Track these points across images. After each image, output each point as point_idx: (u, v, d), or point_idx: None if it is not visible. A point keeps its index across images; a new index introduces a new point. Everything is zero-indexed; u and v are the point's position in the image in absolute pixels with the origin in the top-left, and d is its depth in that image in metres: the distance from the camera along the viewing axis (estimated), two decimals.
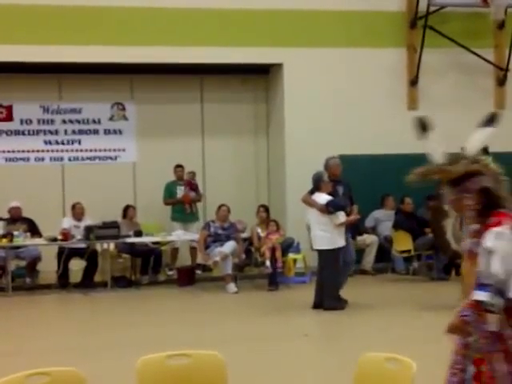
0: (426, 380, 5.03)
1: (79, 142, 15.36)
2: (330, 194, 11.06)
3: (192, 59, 14.52)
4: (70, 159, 15.35)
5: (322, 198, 11.06)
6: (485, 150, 10.99)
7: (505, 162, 11.34)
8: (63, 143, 15.30)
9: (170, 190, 14.73)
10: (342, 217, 10.96)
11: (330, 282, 11.02)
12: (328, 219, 10.91)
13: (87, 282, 13.49)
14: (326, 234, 10.97)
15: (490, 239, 4.31)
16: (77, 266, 13.81)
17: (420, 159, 15.59)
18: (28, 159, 15.18)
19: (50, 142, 15.25)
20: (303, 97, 14.92)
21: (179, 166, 14.80)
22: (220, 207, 13.61)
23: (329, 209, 10.95)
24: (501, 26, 15.56)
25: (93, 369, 5.31)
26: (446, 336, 4.50)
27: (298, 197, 13.03)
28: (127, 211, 14.31)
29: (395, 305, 11.18)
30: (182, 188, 14.69)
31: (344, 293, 11.22)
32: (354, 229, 12.27)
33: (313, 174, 11.40)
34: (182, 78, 15.58)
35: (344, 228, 11.05)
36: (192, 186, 14.74)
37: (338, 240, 10.96)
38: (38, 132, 15.21)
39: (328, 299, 10.96)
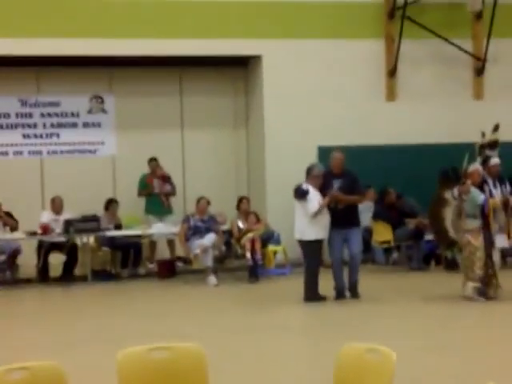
0: (406, 370, 5.06)
1: (58, 136, 15.29)
2: (321, 187, 10.93)
3: (171, 51, 14.48)
4: (48, 153, 15.27)
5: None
6: (496, 128, 10.99)
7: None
8: (42, 137, 15.22)
9: (144, 183, 14.71)
10: (313, 206, 10.77)
11: (306, 274, 11.02)
12: (304, 210, 10.87)
13: (67, 276, 13.45)
14: (302, 225, 10.92)
15: None
16: (57, 259, 13.76)
17: (398, 150, 15.74)
18: (6, 153, 15.09)
19: (29, 136, 15.17)
20: (282, 88, 14.91)
21: (154, 160, 14.77)
22: (199, 200, 13.58)
23: (295, 196, 10.99)
24: (478, 16, 15.61)
25: (73, 363, 5.30)
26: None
27: (278, 189, 13.12)
28: (110, 205, 14.25)
29: (375, 296, 11.21)
30: (157, 181, 14.67)
31: (327, 285, 11.08)
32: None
33: None
34: (160, 70, 15.54)
35: (324, 220, 10.83)
36: (165, 179, 14.72)
37: (313, 232, 10.82)
38: (16, 126, 15.12)
39: (306, 291, 10.95)
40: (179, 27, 14.50)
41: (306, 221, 10.84)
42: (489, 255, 10.41)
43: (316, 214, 10.75)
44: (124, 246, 13.95)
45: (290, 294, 11.46)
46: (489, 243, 10.43)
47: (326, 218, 10.85)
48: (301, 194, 10.90)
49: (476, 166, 10.63)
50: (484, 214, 10.40)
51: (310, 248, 10.93)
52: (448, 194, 11.17)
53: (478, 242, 10.39)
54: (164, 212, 14.70)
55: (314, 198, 10.83)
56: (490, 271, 10.44)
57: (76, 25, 14.10)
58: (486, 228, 10.43)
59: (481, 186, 10.58)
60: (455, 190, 10.62)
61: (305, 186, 10.93)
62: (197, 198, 13.71)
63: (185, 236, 13.25)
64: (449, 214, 11.29)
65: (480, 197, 10.42)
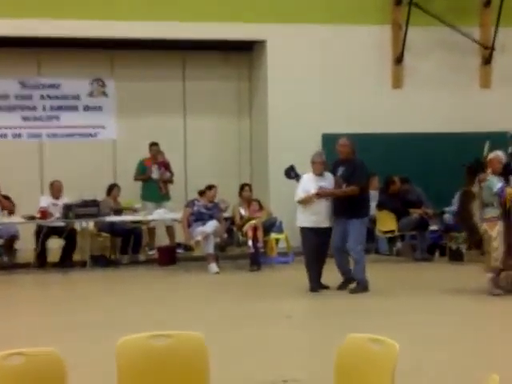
0: (408, 361, 4.95)
1: (58, 119, 15.21)
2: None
3: (174, 35, 14.37)
4: (48, 136, 15.21)
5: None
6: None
7: (492, 141, 11.21)
8: (41, 119, 15.15)
9: (143, 167, 14.57)
10: (297, 194, 10.72)
11: (304, 262, 10.94)
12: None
13: (66, 261, 13.35)
14: (298, 212, 10.84)
15: None
16: (55, 244, 13.69)
17: (404, 138, 15.54)
18: (5, 135, 15.02)
19: (28, 118, 15.10)
20: (287, 74, 14.79)
21: (155, 144, 14.61)
22: (211, 188, 13.34)
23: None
24: (486, 4, 15.54)
25: (71, 349, 5.21)
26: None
27: (281, 176, 12.97)
28: (112, 190, 14.13)
29: (378, 286, 11.06)
30: (156, 167, 14.52)
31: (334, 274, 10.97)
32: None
33: None
34: (163, 54, 15.43)
35: (314, 208, 10.58)
36: (165, 165, 14.58)
37: (301, 219, 10.71)
38: (15, 108, 15.03)
39: (308, 281, 10.80)
40: (182, 10, 14.38)
41: (298, 207, 10.78)
42: (509, 245, 10.04)
43: (299, 202, 10.68)
44: (124, 232, 13.82)
45: (292, 282, 11.37)
46: (508, 233, 10.05)
47: (317, 205, 10.59)
48: (285, 173, 10.91)
49: (496, 153, 10.29)
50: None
51: (301, 235, 10.84)
52: (475, 188, 10.84)
53: (493, 231, 10.04)
54: (161, 198, 14.58)
55: (302, 186, 10.74)
56: (509, 262, 10.07)
57: (78, 6, 14.00)
58: (504, 217, 10.06)
59: (507, 177, 10.24)
60: (477, 180, 10.39)
61: (289, 167, 10.91)
62: (198, 184, 13.59)
63: (187, 220, 13.09)
64: (477, 209, 10.91)
65: (497, 185, 10.04)
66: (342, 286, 10.80)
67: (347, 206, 10.49)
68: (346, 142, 10.88)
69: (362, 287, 10.63)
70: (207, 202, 13.25)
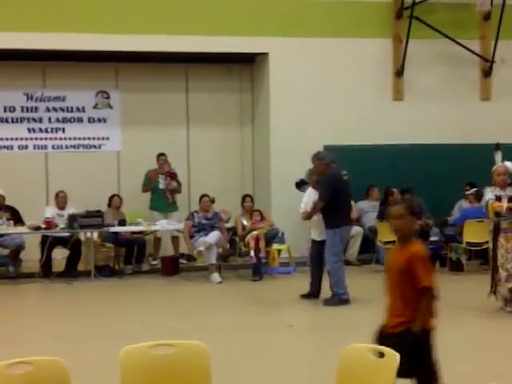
0: None
1: (63, 130, 15.26)
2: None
3: (177, 48, 14.43)
4: (53, 147, 15.25)
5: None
6: (497, 146, 10.51)
7: (489, 153, 11.22)
8: (47, 131, 15.20)
9: (147, 178, 14.65)
10: (301, 209, 11.11)
11: None
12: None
13: (70, 271, 13.40)
14: None
15: None
16: (60, 254, 13.74)
17: (404, 150, 15.64)
18: (11, 147, 15.06)
19: (34, 130, 15.15)
20: (289, 86, 14.86)
21: (162, 155, 14.71)
22: (202, 198, 13.52)
23: None
24: (486, 17, 15.55)
25: (76, 358, 5.27)
26: None
27: (283, 187, 13.07)
28: (112, 200, 14.23)
29: (379, 296, 11.10)
30: (163, 177, 14.61)
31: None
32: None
33: None
34: (167, 66, 15.49)
35: (314, 221, 10.92)
36: (172, 175, 14.66)
37: (312, 232, 11.15)
38: (21, 120, 15.10)
39: None
40: (186, 24, 14.45)
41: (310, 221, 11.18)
42: (494, 258, 9.89)
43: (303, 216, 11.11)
44: (128, 242, 13.90)
45: (293, 292, 11.41)
46: (495, 246, 9.87)
47: (313, 219, 10.95)
48: (296, 186, 11.78)
49: (503, 165, 10.05)
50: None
51: (311, 247, 11.34)
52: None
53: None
54: (168, 208, 14.64)
55: (303, 199, 11.17)
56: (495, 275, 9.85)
57: (83, 20, 14.05)
58: (493, 230, 9.87)
59: None
60: None
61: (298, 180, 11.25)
62: (200, 195, 13.70)
63: (189, 233, 13.21)
64: None
65: (486, 197, 9.92)
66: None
67: (324, 219, 10.81)
68: (314, 160, 10.96)
69: (335, 301, 10.64)
70: (204, 212, 13.37)
